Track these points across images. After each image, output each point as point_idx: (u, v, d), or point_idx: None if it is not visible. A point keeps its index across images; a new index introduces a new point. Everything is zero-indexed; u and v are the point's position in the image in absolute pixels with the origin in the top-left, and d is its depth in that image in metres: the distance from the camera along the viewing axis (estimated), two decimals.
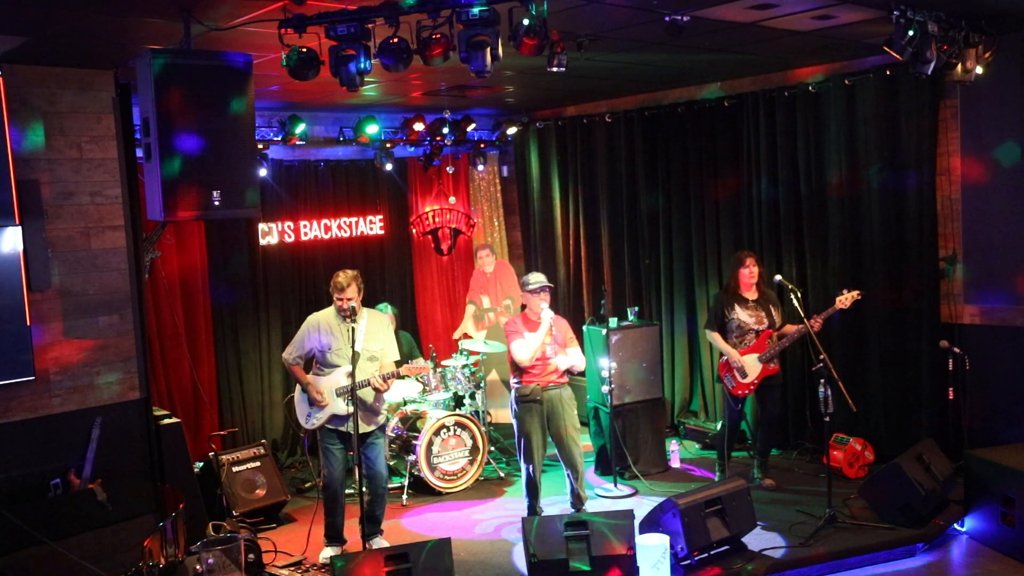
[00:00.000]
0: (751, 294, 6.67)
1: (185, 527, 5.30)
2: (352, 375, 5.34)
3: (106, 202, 5.54)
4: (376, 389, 5.62)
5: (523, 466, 6.08)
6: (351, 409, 5.55)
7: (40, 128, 5.23)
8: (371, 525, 5.79)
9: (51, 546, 4.77)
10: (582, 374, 6.87)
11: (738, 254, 6.78)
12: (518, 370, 5.99)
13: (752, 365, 6.55)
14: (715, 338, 6.70)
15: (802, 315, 6.17)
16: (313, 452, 6.62)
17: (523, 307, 6.23)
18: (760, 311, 6.63)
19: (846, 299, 6.26)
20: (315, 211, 8.57)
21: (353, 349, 5.31)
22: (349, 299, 5.57)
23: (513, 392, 6.06)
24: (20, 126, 5.12)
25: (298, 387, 5.86)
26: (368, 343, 5.64)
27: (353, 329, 5.32)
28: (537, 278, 6.05)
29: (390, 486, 7.13)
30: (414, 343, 8.15)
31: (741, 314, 6.62)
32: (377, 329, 5.75)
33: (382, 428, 5.94)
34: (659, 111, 8.32)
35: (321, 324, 5.74)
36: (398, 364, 5.87)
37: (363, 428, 5.66)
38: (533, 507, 6.13)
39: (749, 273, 6.61)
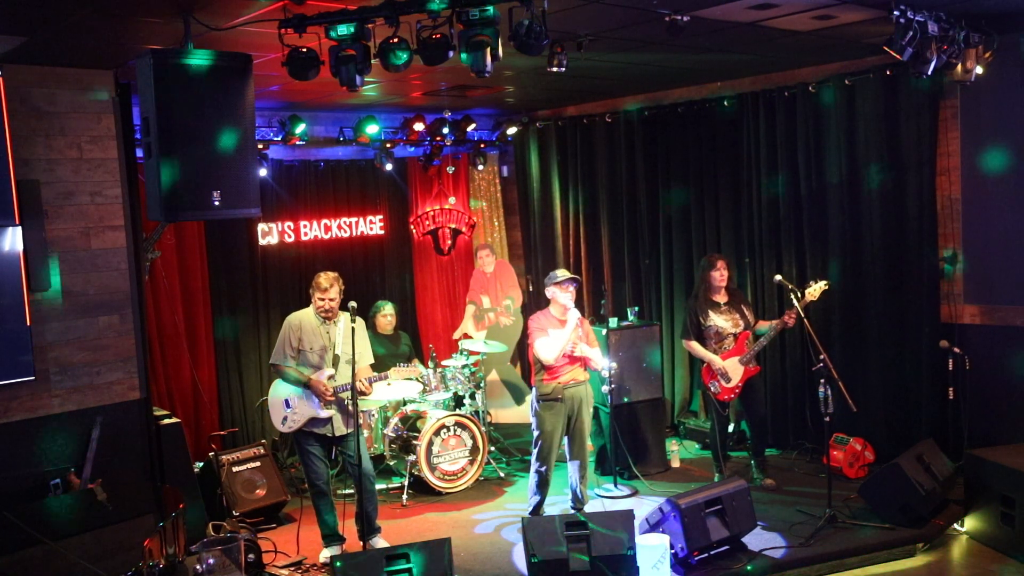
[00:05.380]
0: (721, 297, 6.69)
1: (185, 527, 5.30)
2: (354, 376, 5.37)
3: (106, 202, 5.54)
4: (361, 392, 5.59)
5: (536, 464, 6.07)
6: (331, 412, 5.61)
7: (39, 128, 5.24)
8: (367, 524, 5.77)
9: (51, 546, 4.77)
10: None
11: (708, 257, 6.82)
12: (541, 367, 5.98)
13: (734, 368, 6.56)
14: (693, 347, 6.70)
15: (802, 315, 6.17)
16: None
17: (523, 306, 6.21)
18: (734, 313, 6.64)
19: (815, 291, 6.30)
20: (315, 211, 8.57)
21: (334, 352, 5.42)
22: (331, 300, 5.65)
23: (534, 390, 6.06)
24: (20, 126, 5.12)
25: (271, 389, 5.84)
26: (346, 346, 5.62)
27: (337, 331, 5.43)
28: (564, 271, 6.06)
29: (390, 486, 7.17)
30: (413, 343, 8.15)
31: (717, 319, 6.62)
32: (352, 333, 5.68)
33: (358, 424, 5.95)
34: (659, 111, 8.32)
35: (303, 323, 5.74)
36: (375, 368, 5.96)
37: (343, 431, 5.70)
38: (540, 505, 6.13)
39: (720, 276, 6.62)
